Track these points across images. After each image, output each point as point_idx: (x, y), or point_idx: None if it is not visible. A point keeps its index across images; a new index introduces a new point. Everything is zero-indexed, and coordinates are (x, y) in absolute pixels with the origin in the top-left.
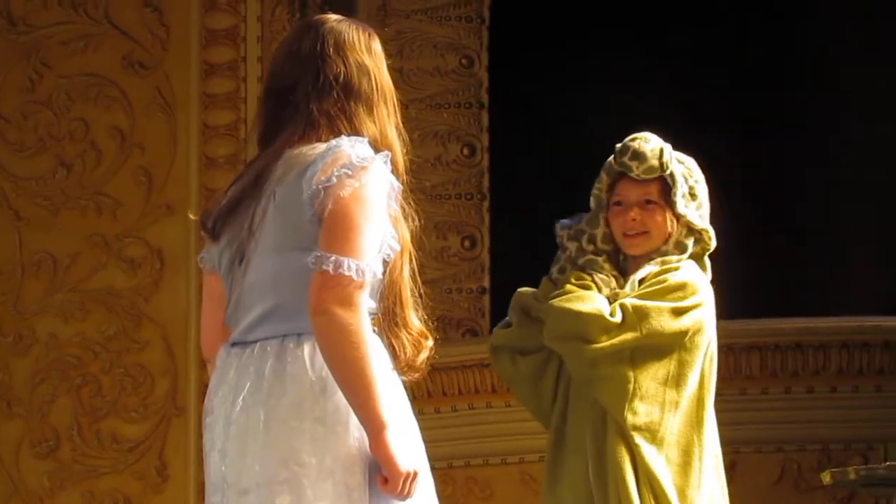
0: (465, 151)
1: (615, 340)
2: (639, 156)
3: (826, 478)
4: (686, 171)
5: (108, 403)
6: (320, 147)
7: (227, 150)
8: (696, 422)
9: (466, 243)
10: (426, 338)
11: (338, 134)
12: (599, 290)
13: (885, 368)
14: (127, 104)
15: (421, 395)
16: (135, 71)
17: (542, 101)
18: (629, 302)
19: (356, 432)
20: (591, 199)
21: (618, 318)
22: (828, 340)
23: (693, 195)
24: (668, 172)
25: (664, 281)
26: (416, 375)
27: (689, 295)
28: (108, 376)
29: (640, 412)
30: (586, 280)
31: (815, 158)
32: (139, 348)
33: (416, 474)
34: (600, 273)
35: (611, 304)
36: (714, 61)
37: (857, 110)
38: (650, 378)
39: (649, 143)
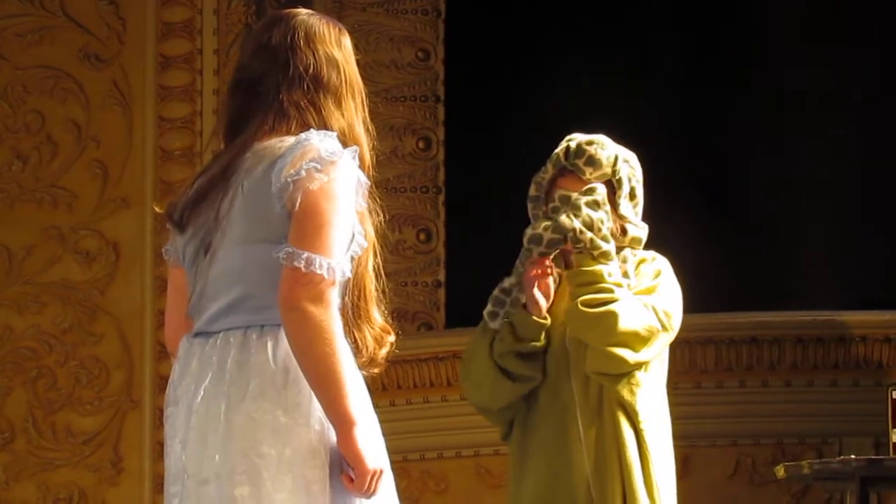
0: (421, 145)
1: (656, 346)
2: (594, 162)
3: (780, 472)
4: (630, 172)
5: (63, 396)
6: (289, 140)
7: (183, 143)
8: (665, 400)
9: (422, 237)
10: (388, 333)
11: (307, 126)
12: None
13: (840, 363)
14: (83, 97)
15: (376, 389)
16: (91, 64)
17: (499, 94)
18: (659, 307)
19: (317, 425)
20: (532, 185)
21: (660, 326)
22: (783, 335)
23: (633, 195)
24: (616, 178)
25: (659, 273)
26: (377, 370)
27: (675, 283)
28: (63, 369)
29: (647, 397)
30: (613, 274)
31: (769, 152)
32: (95, 341)
33: (381, 472)
34: (612, 262)
35: None
36: (670, 56)
37: (810, 105)
38: (650, 367)
39: (605, 149)
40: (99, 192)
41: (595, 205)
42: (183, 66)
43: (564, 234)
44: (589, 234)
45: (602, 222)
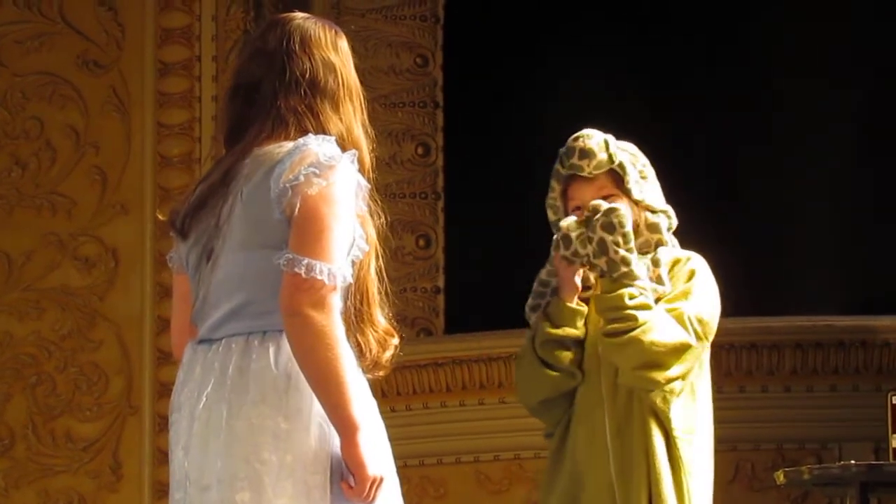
0: (420, 151)
1: (692, 360)
2: (587, 153)
3: (780, 477)
4: (632, 158)
5: (62, 402)
6: (288, 145)
7: (182, 149)
8: (708, 408)
9: (421, 242)
10: (392, 335)
11: (305, 131)
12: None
13: (839, 368)
14: (82, 103)
15: (376, 394)
16: (90, 70)
17: (498, 100)
18: (693, 314)
19: (318, 431)
20: (548, 210)
21: (694, 340)
22: (782, 340)
23: (644, 177)
24: (616, 163)
25: (693, 274)
26: (381, 373)
27: (711, 284)
28: (62, 375)
29: (683, 405)
30: (637, 296)
31: (768, 156)
32: (94, 347)
33: (382, 480)
34: (638, 281)
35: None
36: (670, 60)
37: (811, 106)
38: (689, 376)
39: (592, 138)
40: (98, 198)
41: (609, 226)
42: (182, 73)
43: (579, 259)
44: (603, 258)
45: (618, 244)
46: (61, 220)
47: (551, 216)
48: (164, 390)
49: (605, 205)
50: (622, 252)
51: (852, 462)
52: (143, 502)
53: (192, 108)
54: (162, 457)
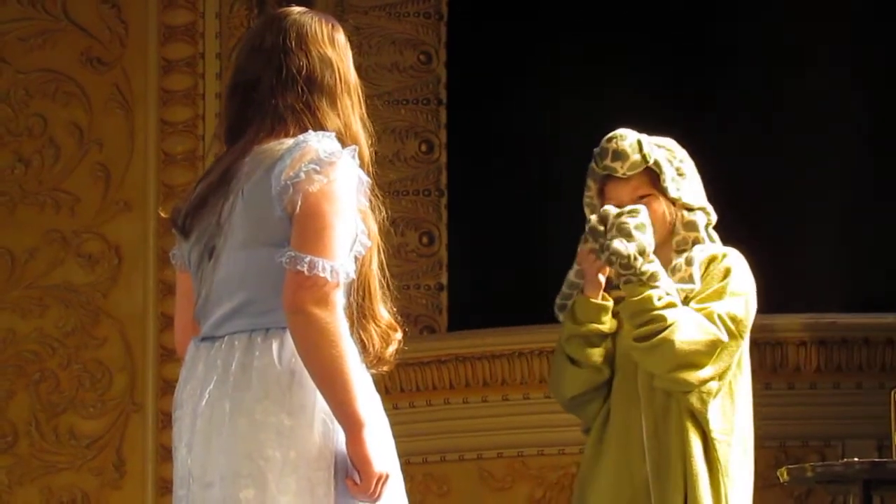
0: (423, 148)
1: (727, 358)
2: (620, 155)
3: (783, 475)
4: (669, 155)
5: (65, 399)
6: (287, 142)
7: (186, 147)
8: (747, 409)
9: (424, 240)
10: (395, 330)
11: (304, 128)
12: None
13: (843, 365)
14: (85, 100)
15: (379, 391)
16: (93, 67)
17: (500, 97)
18: (724, 313)
19: (321, 427)
20: (585, 208)
21: (726, 336)
22: (785, 337)
23: (682, 174)
24: (652, 162)
25: (728, 272)
26: (386, 368)
27: (746, 281)
28: (65, 372)
29: (721, 406)
30: (664, 297)
31: (771, 152)
32: (97, 344)
33: (388, 476)
34: (661, 281)
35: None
36: (672, 59)
37: (812, 105)
38: (726, 375)
39: (626, 139)
40: (101, 195)
41: (642, 227)
42: (185, 70)
43: (611, 259)
44: (640, 261)
45: (649, 245)
46: (64, 218)
47: (588, 214)
48: (167, 387)
49: (613, 211)
50: (651, 254)
51: (856, 459)
52: (147, 499)
53: (195, 105)
54: (165, 453)
